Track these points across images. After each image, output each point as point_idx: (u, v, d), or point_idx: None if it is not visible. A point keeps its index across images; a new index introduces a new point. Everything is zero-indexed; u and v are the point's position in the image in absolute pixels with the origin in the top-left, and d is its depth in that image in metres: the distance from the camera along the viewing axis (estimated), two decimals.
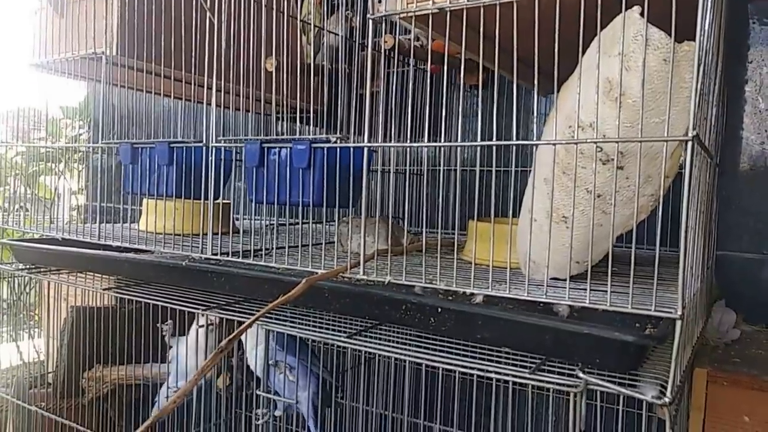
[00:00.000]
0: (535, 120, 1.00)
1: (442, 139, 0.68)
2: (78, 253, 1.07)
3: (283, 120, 1.30)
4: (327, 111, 1.17)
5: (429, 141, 0.72)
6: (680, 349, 0.55)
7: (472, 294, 0.66)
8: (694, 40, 0.54)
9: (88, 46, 1.07)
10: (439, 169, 1.33)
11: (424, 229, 0.82)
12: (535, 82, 0.62)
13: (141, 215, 1.21)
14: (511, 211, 0.75)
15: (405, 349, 0.70)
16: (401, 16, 0.72)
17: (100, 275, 1.08)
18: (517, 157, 1.15)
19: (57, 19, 1.15)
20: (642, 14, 0.56)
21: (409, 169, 1.31)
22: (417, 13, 0.71)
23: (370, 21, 0.73)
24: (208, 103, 0.89)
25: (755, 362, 0.86)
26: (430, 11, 0.69)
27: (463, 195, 1.26)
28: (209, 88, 0.88)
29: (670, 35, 0.55)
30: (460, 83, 1.22)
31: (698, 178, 0.58)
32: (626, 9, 0.57)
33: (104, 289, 1.02)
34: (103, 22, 1.04)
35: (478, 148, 0.70)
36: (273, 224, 1.12)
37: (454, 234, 1.00)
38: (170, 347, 1.27)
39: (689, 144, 0.54)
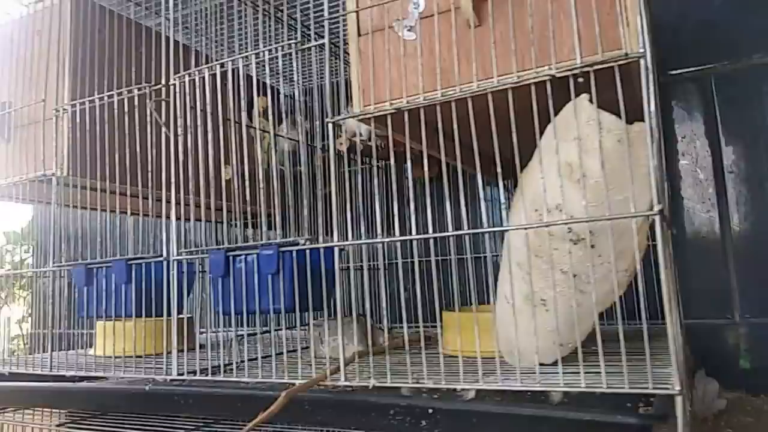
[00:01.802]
0: (482, 206, 1.02)
1: (398, 233, 0.68)
2: (25, 388, 0.98)
3: (242, 227, 1.28)
4: (282, 214, 1.16)
5: (390, 236, 0.71)
6: (685, 426, 0.53)
7: (463, 390, 0.64)
8: (641, 120, 0.58)
9: (37, 168, 1.04)
10: (396, 263, 1.33)
11: (386, 326, 0.80)
12: (498, 169, 0.63)
13: (95, 339, 1.14)
14: (481, 298, 0.74)
15: None
16: (359, 118, 0.74)
17: (51, 410, 0.98)
18: (474, 244, 1.16)
19: (3, 144, 1.13)
20: (591, 101, 0.59)
21: (368, 265, 1.30)
22: (375, 115, 0.73)
23: (330, 124, 0.74)
24: (167, 217, 0.87)
25: (747, 431, 0.85)
26: (387, 112, 0.72)
27: (425, 286, 1.25)
28: (168, 201, 0.86)
29: (619, 118, 0.58)
30: (423, 175, 1.25)
31: (669, 249, 0.60)
32: (575, 97, 0.60)
33: (57, 425, 0.92)
34: (52, 143, 1.03)
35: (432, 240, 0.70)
36: (242, 335, 1.07)
37: (420, 327, 0.97)
38: None
39: (657, 218, 0.55)
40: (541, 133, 0.64)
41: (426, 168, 1.28)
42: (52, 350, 1.07)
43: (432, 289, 0.72)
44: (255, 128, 1.32)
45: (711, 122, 1.18)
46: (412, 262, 1.37)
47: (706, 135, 1.18)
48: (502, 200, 0.81)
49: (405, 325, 0.71)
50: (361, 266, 1.27)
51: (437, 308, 0.73)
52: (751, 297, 1.11)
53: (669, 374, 0.56)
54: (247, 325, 1.15)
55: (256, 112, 1.40)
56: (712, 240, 1.16)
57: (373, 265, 1.35)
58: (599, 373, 0.57)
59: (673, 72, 1.22)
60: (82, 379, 0.94)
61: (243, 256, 0.81)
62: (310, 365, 0.81)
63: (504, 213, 0.76)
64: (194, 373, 0.82)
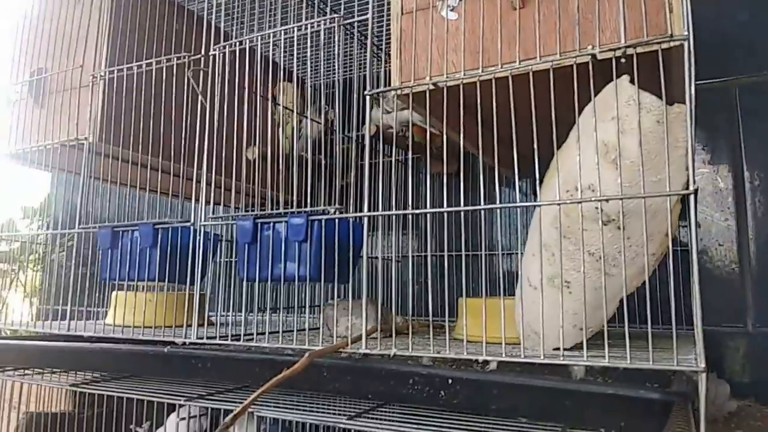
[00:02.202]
0: (518, 197, 1.03)
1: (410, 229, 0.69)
2: (41, 348, 0.99)
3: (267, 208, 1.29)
4: (304, 201, 1.18)
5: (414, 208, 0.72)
6: (707, 403, 0.53)
7: (486, 362, 0.64)
8: (681, 103, 0.59)
9: (69, 133, 1.06)
10: (422, 255, 1.34)
11: (410, 313, 0.80)
12: (535, 149, 0.65)
13: (109, 310, 1.15)
14: (499, 290, 0.74)
15: (414, 428, 0.66)
16: (398, 92, 0.75)
17: (65, 373, 0.99)
18: (492, 241, 1.17)
19: (36, 109, 1.14)
20: (632, 81, 0.60)
21: (389, 256, 1.31)
22: (414, 90, 0.74)
23: (368, 97, 0.76)
24: (198, 181, 0.88)
25: None
26: (426, 87, 0.73)
27: (449, 279, 1.26)
28: (199, 168, 0.88)
29: (659, 99, 0.59)
30: (442, 170, 1.26)
31: (700, 230, 0.60)
32: (617, 77, 0.61)
33: (72, 385, 0.93)
34: (86, 109, 1.05)
35: (446, 235, 0.71)
36: (253, 313, 1.07)
37: (438, 320, 0.98)
38: None
39: (692, 197, 0.56)
40: (579, 115, 0.66)
41: (446, 163, 1.29)
42: (69, 316, 1.09)
43: (443, 282, 0.72)
44: (282, 110, 1.34)
45: (733, 132, 1.19)
46: (425, 256, 1.40)
47: (728, 145, 1.19)
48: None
49: (430, 311, 0.72)
50: (384, 257, 1.29)
51: (446, 300, 0.74)
52: (766, 307, 1.12)
53: (690, 357, 0.56)
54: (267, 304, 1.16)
55: (281, 98, 1.42)
56: (728, 249, 1.16)
57: (396, 257, 1.36)
58: (620, 353, 0.58)
59: (697, 83, 1.23)
60: (99, 340, 0.95)
61: (271, 224, 0.82)
62: (328, 341, 0.81)
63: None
64: (214, 338, 0.83)
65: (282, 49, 0.89)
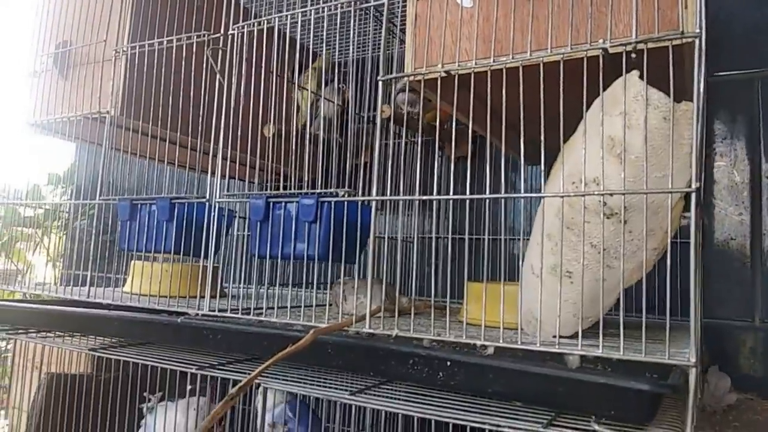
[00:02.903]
0: (522, 186, 1.04)
1: (436, 196, 0.70)
2: (63, 312, 1.03)
3: (272, 188, 1.32)
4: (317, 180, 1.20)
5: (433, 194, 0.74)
6: (695, 397, 0.55)
7: (483, 346, 0.66)
8: (689, 101, 0.59)
9: (92, 106, 1.09)
10: (429, 237, 1.36)
11: (412, 294, 0.82)
12: (542, 146, 0.65)
13: (127, 279, 1.19)
14: (502, 276, 0.76)
15: (413, 406, 0.69)
16: (410, 78, 0.76)
17: (84, 337, 1.04)
18: (497, 226, 1.18)
19: (60, 80, 1.17)
20: (641, 77, 0.61)
21: (402, 236, 1.33)
22: (426, 77, 0.75)
23: (380, 83, 0.77)
24: (214, 155, 0.90)
25: (755, 427, 0.86)
26: (438, 74, 0.74)
27: (452, 263, 1.28)
28: (214, 155, 0.90)
29: (667, 96, 0.60)
30: (451, 154, 1.27)
31: (700, 228, 0.61)
32: (626, 72, 0.61)
33: (90, 349, 0.97)
34: (108, 83, 1.07)
35: (467, 218, 0.72)
36: (264, 288, 1.11)
37: (440, 301, 1.00)
38: (145, 416, 1.20)
39: (693, 195, 0.57)
40: (586, 110, 0.66)
41: (453, 145, 1.30)
42: (89, 283, 1.13)
43: (454, 265, 0.74)
44: (303, 88, 1.35)
45: (754, 126, 1.17)
46: (436, 238, 1.42)
47: (747, 139, 1.18)
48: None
49: (433, 292, 0.74)
50: (390, 237, 1.31)
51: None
52: None
53: (685, 351, 0.58)
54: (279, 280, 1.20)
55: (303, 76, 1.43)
56: (741, 243, 1.16)
57: (406, 237, 1.38)
58: (617, 343, 0.59)
59: (721, 74, 1.22)
60: (117, 308, 0.99)
61: (283, 203, 0.84)
62: (335, 318, 0.84)
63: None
64: (225, 311, 0.86)
65: (300, 28, 0.90)
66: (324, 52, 1.46)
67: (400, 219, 1.34)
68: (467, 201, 0.71)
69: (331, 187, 1.10)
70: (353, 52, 1.53)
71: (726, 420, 0.89)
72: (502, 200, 0.66)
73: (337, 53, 1.53)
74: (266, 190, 0.94)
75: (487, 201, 0.69)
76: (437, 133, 0.80)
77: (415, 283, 1.14)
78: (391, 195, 0.78)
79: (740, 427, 0.85)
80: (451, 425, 0.68)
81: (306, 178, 0.91)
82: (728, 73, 1.21)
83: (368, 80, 1.43)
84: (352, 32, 0.89)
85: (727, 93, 1.21)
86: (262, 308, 0.90)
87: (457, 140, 1.35)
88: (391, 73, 0.80)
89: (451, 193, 1.11)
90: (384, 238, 1.02)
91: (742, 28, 1.20)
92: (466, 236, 0.77)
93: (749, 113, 1.18)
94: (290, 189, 0.99)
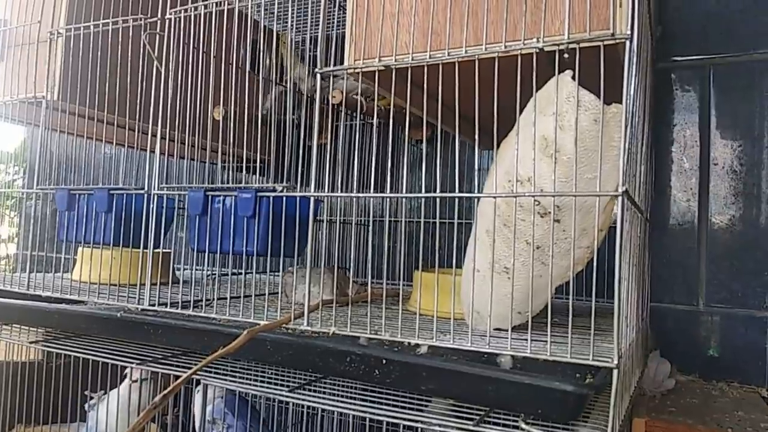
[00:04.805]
0: (476, 174, 1.04)
1: (388, 191, 0.69)
2: (3, 304, 1.00)
3: (228, 170, 1.30)
4: (274, 162, 1.18)
5: (375, 192, 0.73)
6: (618, 397, 0.56)
7: (417, 345, 0.66)
8: (621, 102, 0.58)
9: (28, 90, 1.04)
10: (386, 220, 1.35)
11: (369, 280, 0.82)
12: (476, 137, 0.65)
13: (74, 265, 1.16)
14: (454, 262, 0.76)
15: (349, 403, 0.69)
16: (348, 71, 0.74)
17: (27, 328, 1.01)
18: (460, 209, 1.17)
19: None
20: (573, 78, 0.60)
21: (356, 220, 1.32)
22: (363, 70, 0.73)
23: (318, 75, 0.75)
24: (152, 151, 0.88)
25: (690, 411, 0.89)
26: (376, 68, 0.72)
27: (409, 246, 1.28)
28: (153, 135, 0.87)
29: (599, 98, 0.59)
30: (405, 137, 1.25)
31: (629, 231, 0.61)
32: (559, 73, 0.60)
33: (31, 342, 0.95)
34: (45, 66, 1.03)
35: (423, 201, 0.72)
36: (215, 274, 1.09)
37: (399, 284, 1.00)
38: (89, 408, 1.20)
39: (620, 199, 0.57)
40: (523, 107, 0.65)
41: (418, 130, 1.28)
42: (34, 271, 1.10)
43: (411, 249, 0.73)
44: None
45: (704, 113, 1.18)
46: (400, 222, 1.41)
47: (698, 125, 1.18)
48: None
49: (369, 279, 0.74)
50: (343, 220, 1.30)
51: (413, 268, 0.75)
52: (718, 287, 1.14)
53: (612, 349, 0.58)
54: (222, 267, 1.18)
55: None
56: (688, 229, 1.18)
57: (361, 221, 1.37)
58: (546, 342, 0.60)
59: (678, 58, 1.22)
60: (59, 300, 0.97)
61: (221, 198, 0.82)
62: (277, 309, 0.83)
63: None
64: (165, 305, 0.85)
65: (256, 9, 0.87)
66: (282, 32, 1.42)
67: (355, 201, 1.32)
68: (422, 184, 0.71)
69: (284, 171, 1.09)
70: (311, 31, 1.50)
71: (663, 405, 0.92)
72: (457, 185, 0.66)
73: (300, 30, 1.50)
74: (228, 171, 0.92)
75: (439, 188, 0.68)
76: (391, 119, 0.78)
77: (372, 266, 1.14)
78: (341, 181, 0.77)
79: (676, 412, 0.88)
80: (385, 422, 0.68)
81: (257, 159, 0.89)
82: (683, 58, 1.21)
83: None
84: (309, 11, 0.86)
85: (681, 78, 1.21)
86: (203, 301, 0.88)
87: (414, 124, 1.33)
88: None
89: (405, 178, 1.10)
90: (336, 222, 1.01)
91: (695, 14, 1.20)
92: (422, 220, 0.77)
93: (701, 100, 1.19)
94: (244, 171, 0.97)
